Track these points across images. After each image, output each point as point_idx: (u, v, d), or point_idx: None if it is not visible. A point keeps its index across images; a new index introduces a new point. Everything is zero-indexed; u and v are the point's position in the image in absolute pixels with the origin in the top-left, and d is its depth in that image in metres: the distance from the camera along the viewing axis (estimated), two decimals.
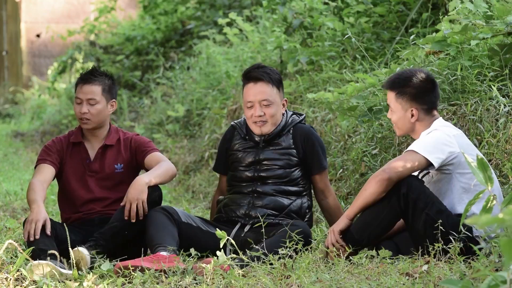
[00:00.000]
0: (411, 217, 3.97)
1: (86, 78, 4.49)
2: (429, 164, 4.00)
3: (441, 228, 3.85)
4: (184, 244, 4.39)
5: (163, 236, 4.26)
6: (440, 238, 3.85)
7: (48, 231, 4.08)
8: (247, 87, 4.57)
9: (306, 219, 4.56)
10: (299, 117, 4.65)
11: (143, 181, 4.25)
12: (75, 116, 4.53)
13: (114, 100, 4.55)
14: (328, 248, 4.08)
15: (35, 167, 4.48)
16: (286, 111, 4.62)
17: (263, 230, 4.25)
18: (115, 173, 4.50)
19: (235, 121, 4.73)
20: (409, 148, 4.05)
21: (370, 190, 3.99)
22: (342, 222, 4.08)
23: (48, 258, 3.93)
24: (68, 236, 3.99)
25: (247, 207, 4.51)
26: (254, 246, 4.24)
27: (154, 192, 4.33)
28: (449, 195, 4.05)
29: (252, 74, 4.56)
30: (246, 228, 4.48)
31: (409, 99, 4.14)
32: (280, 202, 4.51)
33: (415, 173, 4.12)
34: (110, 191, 4.52)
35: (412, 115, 4.15)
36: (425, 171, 4.12)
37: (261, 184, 4.55)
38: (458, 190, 4.03)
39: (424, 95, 4.14)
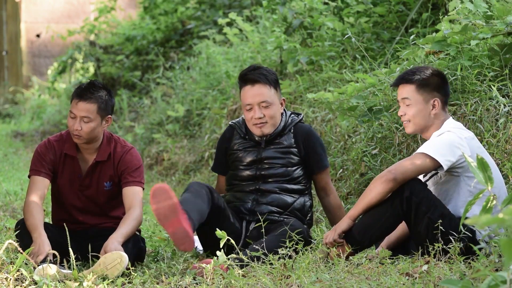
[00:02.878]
0: (413, 220, 3.95)
1: (82, 94, 4.33)
2: (438, 166, 3.97)
3: (442, 229, 3.85)
4: (208, 227, 4.36)
5: (193, 207, 4.22)
6: (440, 240, 3.85)
7: (52, 259, 4.00)
8: (244, 90, 4.57)
9: (308, 218, 4.58)
10: (298, 117, 4.67)
11: (116, 242, 4.09)
12: (68, 127, 4.40)
13: (109, 116, 4.42)
14: (326, 245, 4.08)
15: (29, 176, 4.41)
16: (284, 110, 4.64)
17: (263, 230, 4.26)
18: (104, 191, 4.46)
19: (233, 121, 4.73)
20: (419, 150, 4.01)
21: (376, 190, 3.96)
22: (344, 223, 4.06)
23: (48, 259, 3.93)
24: (68, 236, 3.99)
25: (251, 204, 4.53)
26: (254, 246, 4.24)
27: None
28: (455, 198, 4.04)
29: (249, 77, 4.56)
30: (251, 226, 4.48)
31: (432, 88, 4.09)
32: (284, 200, 4.54)
33: (423, 174, 4.11)
34: (101, 206, 4.50)
35: (434, 107, 4.09)
36: (433, 172, 4.11)
37: (263, 183, 4.56)
38: (464, 194, 4.01)
39: (445, 86, 4.13)
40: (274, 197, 4.54)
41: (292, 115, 4.66)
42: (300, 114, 4.69)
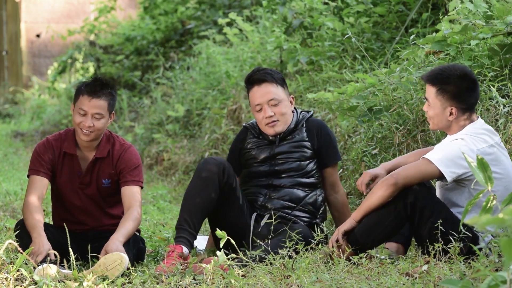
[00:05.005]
0: (417, 223, 3.95)
1: (94, 91, 4.33)
2: (442, 176, 3.93)
3: (442, 229, 3.84)
4: (221, 214, 4.43)
5: (189, 215, 4.31)
6: (441, 240, 3.84)
7: (53, 258, 4.01)
8: (252, 91, 4.61)
9: (321, 212, 4.63)
10: (308, 113, 4.73)
11: (117, 242, 4.09)
12: (74, 125, 4.39)
13: (113, 112, 4.46)
14: (331, 246, 4.08)
15: (28, 175, 4.41)
16: (295, 109, 4.68)
17: (272, 227, 4.32)
18: (102, 188, 4.45)
19: (247, 123, 4.79)
20: (426, 155, 3.97)
21: (377, 194, 3.96)
22: (348, 223, 4.07)
23: (48, 259, 3.93)
24: (68, 236, 3.99)
25: (263, 199, 4.56)
26: (259, 245, 4.26)
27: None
28: (458, 206, 4.01)
29: (255, 77, 4.60)
30: (262, 222, 4.49)
31: (449, 97, 4.00)
32: (296, 194, 4.57)
33: None
34: (100, 204, 4.49)
35: (451, 114, 4.02)
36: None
37: (276, 178, 4.59)
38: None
39: (465, 95, 4.01)
40: (286, 191, 4.57)
41: (303, 112, 4.73)
42: (311, 111, 4.75)
